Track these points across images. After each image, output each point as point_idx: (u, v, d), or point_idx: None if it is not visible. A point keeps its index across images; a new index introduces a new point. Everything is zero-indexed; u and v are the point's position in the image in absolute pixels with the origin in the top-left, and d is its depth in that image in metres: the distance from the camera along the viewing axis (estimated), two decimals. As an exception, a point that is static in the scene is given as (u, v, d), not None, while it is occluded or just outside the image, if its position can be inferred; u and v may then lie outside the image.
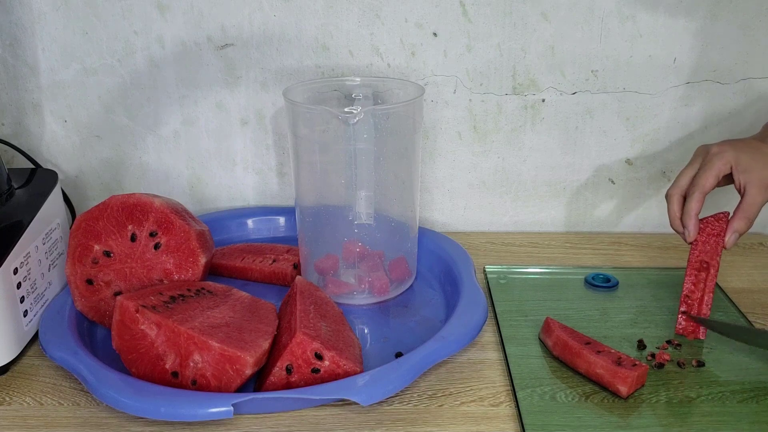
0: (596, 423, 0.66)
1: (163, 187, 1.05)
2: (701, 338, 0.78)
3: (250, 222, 1.02)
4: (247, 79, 0.99)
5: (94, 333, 0.79)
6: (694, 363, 0.74)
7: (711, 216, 0.78)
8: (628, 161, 1.02)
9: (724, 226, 0.77)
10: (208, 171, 1.05)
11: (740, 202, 0.76)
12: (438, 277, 0.91)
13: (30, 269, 0.77)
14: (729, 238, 0.76)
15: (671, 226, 0.79)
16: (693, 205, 0.76)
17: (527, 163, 1.03)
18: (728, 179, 0.78)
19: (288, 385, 0.68)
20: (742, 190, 0.76)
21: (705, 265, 0.78)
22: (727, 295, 0.86)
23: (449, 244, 0.93)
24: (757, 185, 0.75)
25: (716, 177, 0.76)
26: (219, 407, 0.62)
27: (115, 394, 0.64)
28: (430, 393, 0.70)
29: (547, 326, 0.77)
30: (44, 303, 0.80)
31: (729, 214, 0.78)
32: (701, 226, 0.77)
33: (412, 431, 0.66)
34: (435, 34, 0.96)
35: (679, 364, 0.74)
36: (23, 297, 0.76)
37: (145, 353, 0.68)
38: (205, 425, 0.66)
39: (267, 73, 0.99)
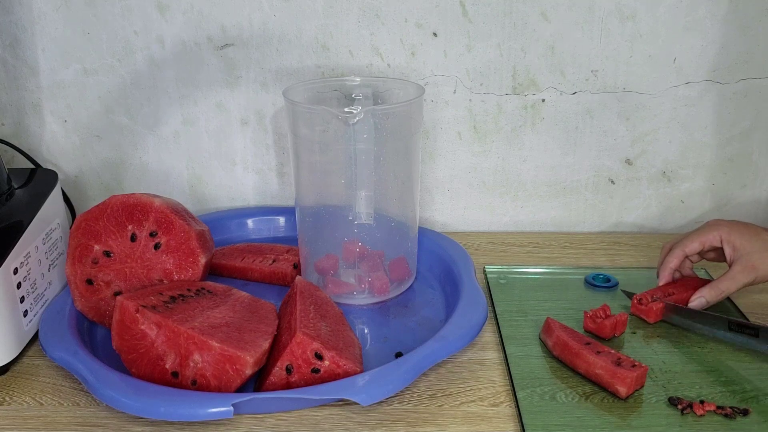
0: (596, 423, 0.66)
1: (163, 187, 1.05)
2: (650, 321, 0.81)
3: (250, 222, 1.02)
4: (247, 79, 0.99)
5: (94, 333, 0.79)
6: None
7: (698, 277, 0.86)
8: (628, 161, 1.02)
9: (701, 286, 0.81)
10: (208, 171, 1.05)
11: (721, 275, 0.80)
12: (438, 277, 0.91)
13: (30, 269, 0.77)
14: (694, 300, 0.80)
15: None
16: (670, 259, 0.83)
17: (527, 163, 1.03)
18: (722, 255, 0.82)
19: (288, 385, 0.68)
20: (729, 265, 0.80)
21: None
22: (727, 295, 0.86)
23: (449, 244, 0.93)
24: (742, 264, 0.79)
25: (701, 243, 0.82)
26: (219, 407, 0.62)
27: (115, 394, 0.64)
28: (430, 393, 0.70)
29: (547, 326, 0.77)
30: (44, 303, 0.80)
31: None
32: (684, 279, 0.85)
33: (412, 431, 0.66)
34: (435, 34, 0.96)
35: (679, 364, 0.74)
36: (23, 297, 0.76)
37: (145, 353, 0.68)
38: (205, 425, 0.66)
39: (267, 73, 0.99)
